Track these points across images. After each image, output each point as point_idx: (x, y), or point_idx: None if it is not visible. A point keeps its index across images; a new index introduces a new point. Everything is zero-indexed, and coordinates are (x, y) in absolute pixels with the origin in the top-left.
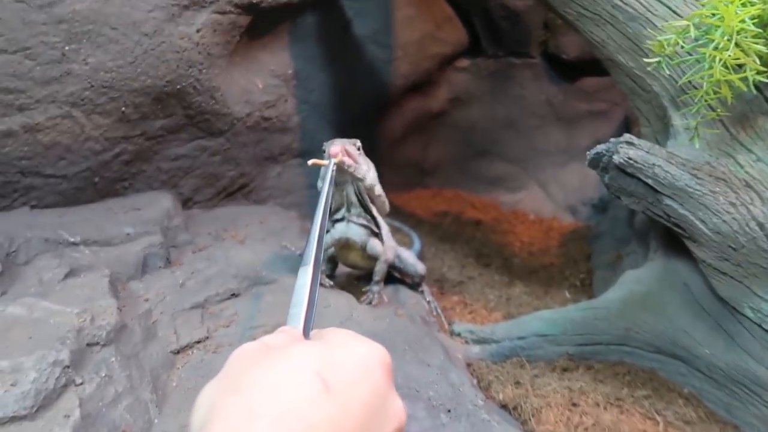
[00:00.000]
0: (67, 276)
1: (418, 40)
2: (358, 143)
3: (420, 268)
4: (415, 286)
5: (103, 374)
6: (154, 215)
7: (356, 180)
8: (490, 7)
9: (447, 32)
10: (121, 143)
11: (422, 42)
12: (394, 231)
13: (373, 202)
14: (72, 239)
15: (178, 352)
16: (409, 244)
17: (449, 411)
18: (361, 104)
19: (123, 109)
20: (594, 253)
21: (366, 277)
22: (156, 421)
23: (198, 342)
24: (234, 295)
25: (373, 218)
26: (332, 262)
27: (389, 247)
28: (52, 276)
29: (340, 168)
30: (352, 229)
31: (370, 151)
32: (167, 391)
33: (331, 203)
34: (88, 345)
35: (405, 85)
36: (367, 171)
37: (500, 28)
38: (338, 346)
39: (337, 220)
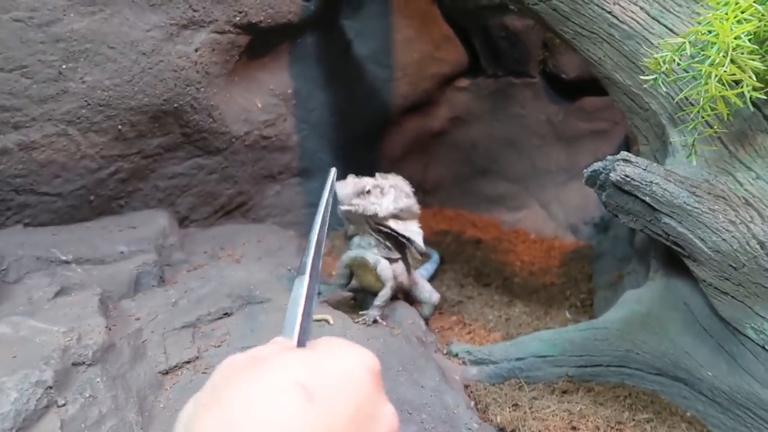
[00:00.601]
0: (57, 294)
1: (417, 60)
2: (368, 186)
3: (435, 297)
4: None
5: (88, 395)
6: (149, 234)
7: (370, 218)
8: (489, 26)
9: (446, 52)
10: (117, 161)
11: (422, 62)
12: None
13: (398, 218)
14: (64, 257)
15: (167, 373)
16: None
17: None
18: (361, 124)
19: (119, 127)
20: (595, 273)
21: (363, 297)
22: None
23: (188, 362)
24: (227, 315)
25: (398, 238)
26: (350, 276)
27: (405, 275)
28: (42, 294)
29: (350, 214)
30: (368, 251)
31: (370, 171)
32: (154, 412)
33: (350, 231)
34: (74, 365)
35: (405, 105)
36: (379, 204)
37: (499, 47)
38: (325, 353)
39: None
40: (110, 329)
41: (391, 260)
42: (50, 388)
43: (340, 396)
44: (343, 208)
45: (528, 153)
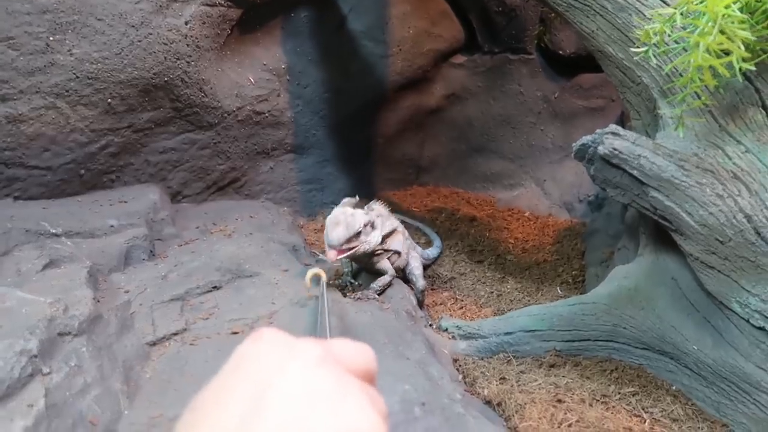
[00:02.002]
0: (46, 267)
1: (413, 36)
2: (360, 228)
3: (420, 284)
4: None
5: (73, 364)
6: (140, 208)
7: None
8: (485, 2)
9: (443, 28)
10: (107, 135)
11: (417, 38)
12: (417, 234)
13: (387, 239)
14: (54, 231)
15: (155, 344)
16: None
17: (423, 404)
18: (355, 100)
19: (109, 100)
20: (588, 250)
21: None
22: (126, 412)
23: (175, 334)
24: (215, 288)
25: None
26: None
27: (399, 259)
28: (30, 267)
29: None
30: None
31: (365, 148)
32: (140, 382)
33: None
34: (59, 335)
35: (400, 82)
36: (368, 242)
37: (496, 23)
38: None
39: None
40: (98, 301)
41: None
42: (35, 356)
43: None
44: (333, 258)
45: (524, 131)
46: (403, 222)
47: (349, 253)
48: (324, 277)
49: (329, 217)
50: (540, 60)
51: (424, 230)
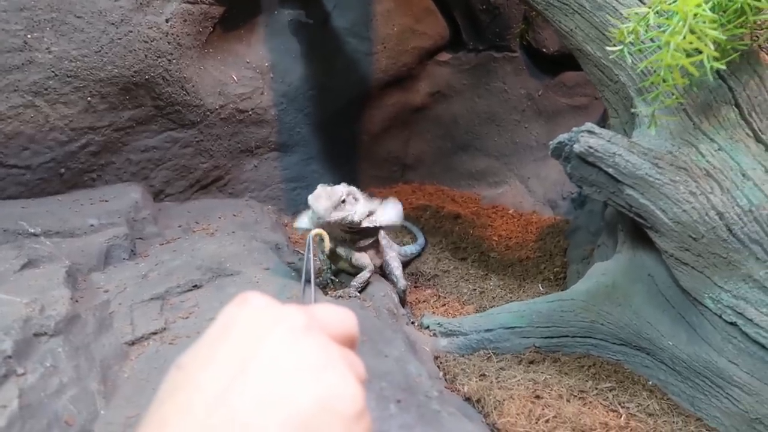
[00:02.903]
0: (24, 267)
1: (397, 33)
2: (343, 196)
3: (401, 284)
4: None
5: (48, 364)
6: (121, 207)
7: (346, 225)
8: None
9: (427, 25)
10: (87, 134)
11: (402, 35)
12: (402, 232)
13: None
14: (33, 230)
15: (133, 344)
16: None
17: (399, 401)
18: (340, 98)
19: (89, 98)
20: (570, 247)
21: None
22: (102, 412)
23: (155, 333)
24: (196, 287)
25: (367, 233)
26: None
27: (377, 255)
28: (8, 267)
29: (330, 226)
30: (339, 246)
31: (350, 146)
32: (118, 382)
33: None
34: (35, 335)
35: (385, 79)
36: (354, 212)
37: (480, 21)
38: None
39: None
40: (77, 301)
41: (364, 249)
42: (9, 357)
43: None
44: (327, 219)
45: (508, 128)
46: None
47: (338, 219)
48: (326, 237)
49: (309, 197)
50: (524, 58)
51: (410, 228)
